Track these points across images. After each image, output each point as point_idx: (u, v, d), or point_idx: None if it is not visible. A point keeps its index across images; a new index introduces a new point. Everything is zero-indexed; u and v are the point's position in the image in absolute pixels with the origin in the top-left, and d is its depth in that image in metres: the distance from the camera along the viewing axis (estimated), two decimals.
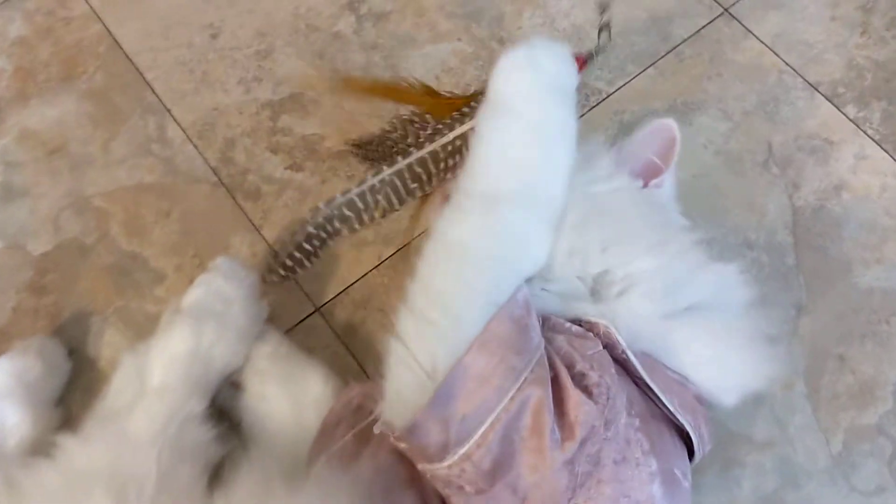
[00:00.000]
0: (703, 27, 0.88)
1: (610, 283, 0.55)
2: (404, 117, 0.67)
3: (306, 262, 0.65)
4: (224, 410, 0.67)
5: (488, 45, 0.87)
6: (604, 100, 0.85)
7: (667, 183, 0.64)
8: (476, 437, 0.45)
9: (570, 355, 0.49)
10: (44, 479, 0.56)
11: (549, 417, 0.45)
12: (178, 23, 0.88)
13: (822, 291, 0.76)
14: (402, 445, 0.48)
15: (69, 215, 0.79)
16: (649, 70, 0.86)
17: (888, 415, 0.71)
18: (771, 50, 0.87)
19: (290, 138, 0.83)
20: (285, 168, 0.81)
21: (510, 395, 0.45)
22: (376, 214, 0.64)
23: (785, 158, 0.82)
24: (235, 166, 0.81)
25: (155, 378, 0.61)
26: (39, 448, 0.60)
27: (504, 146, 0.53)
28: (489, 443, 0.45)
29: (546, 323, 0.52)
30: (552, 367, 0.48)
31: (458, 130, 0.62)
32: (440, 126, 0.63)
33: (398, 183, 0.63)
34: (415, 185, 0.63)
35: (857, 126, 0.83)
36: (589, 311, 0.54)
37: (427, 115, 0.66)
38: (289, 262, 0.65)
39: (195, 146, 0.82)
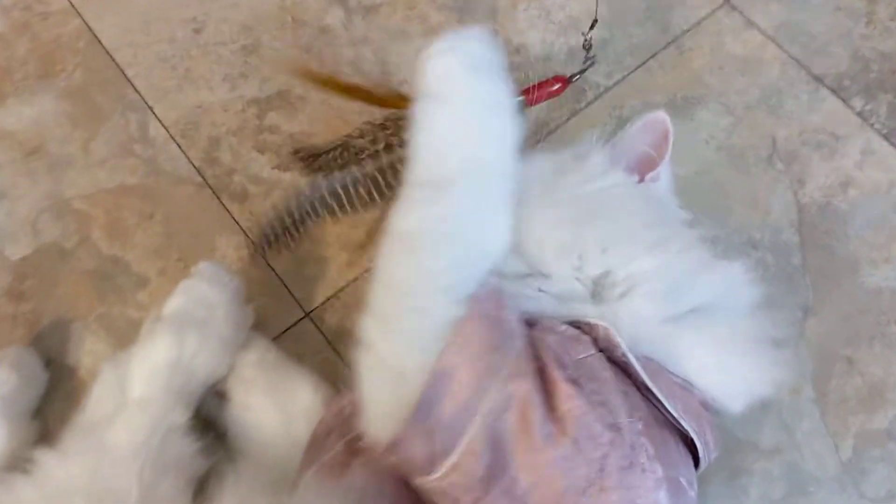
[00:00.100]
0: (704, 18, 0.85)
1: (611, 284, 0.54)
2: (377, 122, 0.66)
3: (290, 241, 0.65)
4: (209, 421, 0.64)
5: None
6: (602, 94, 0.82)
7: (663, 176, 0.62)
8: (462, 444, 0.43)
9: (558, 358, 0.47)
10: (20, 495, 0.55)
11: (535, 411, 0.44)
12: (159, 17, 0.85)
13: (828, 292, 0.73)
14: (391, 460, 0.46)
15: (48, 218, 0.76)
16: (649, 63, 0.84)
17: None
18: (773, 41, 0.84)
19: (278, 137, 0.80)
20: (272, 168, 0.79)
21: (491, 395, 0.44)
22: (358, 205, 0.63)
23: (789, 154, 0.79)
24: (221, 166, 0.79)
25: (136, 389, 0.59)
26: (16, 463, 0.58)
27: (440, 130, 0.52)
28: (477, 448, 0.43)
29: (539, 325, 0.50)
30: (539, 358, 0.47)
31: None
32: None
33: (379, 178, 0.62)
34: (395, 183, 0.62)
35: (864, 120, 0.81)
36: (588, 313, 0.52)
37: (401, 121, 0.64)
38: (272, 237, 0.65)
39: (179, 146, 0.80)
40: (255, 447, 0.63)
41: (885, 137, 0.80)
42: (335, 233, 0.75)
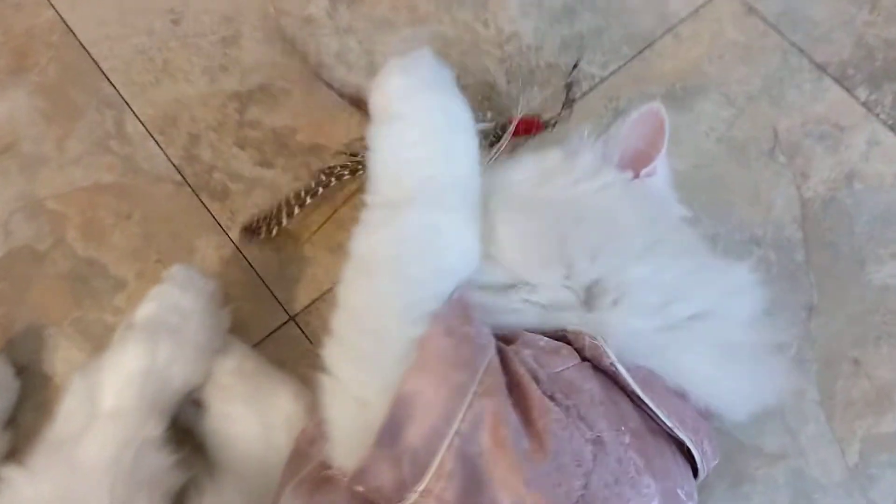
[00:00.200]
0: (702, 5, 0.82)
1: (602, 291, 0.51)
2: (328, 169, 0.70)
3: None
4: (187, 430, 0.62)
5: (472, 27, 0.81)
6: (597, 85, 0.79)
7: (660, 170, 0.60)
8: (432, 469, 0.41)
9: (533, 372, 0.46)
10: None
11: (509, 429, 0.42)
12: (136, 8, 0.82)
13: (833, 290, 0.71)
14: (359, 489, 0.44)
15: (20, 219, 0.74)
16: (645, 52, 0.80)
17: None
18: (775, 29, 0.81)
19: (260, 132, 0.77)
20: (255, 164, 0.76)
21: (460, 415, 0.42)
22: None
23: (792, 146, 0.76)
24: (200, 163, 0.76)
25: (107, 401, 0.56)
26: None
27: (394, 149, 0.52)
28: (449, 472, 0.41)
29: (517, 340, 0.48)
30: (514, 372, 0.45)
31: None
32: None
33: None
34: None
35: (869, 110, 0.78)
36: (576, 322, 0.50)
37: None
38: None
39: (157, 142, 0.77)
40: (235, 458, 0.60)
41: (891, 128, 0.77)
42: (320, 232, 0.72)
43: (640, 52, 0.81)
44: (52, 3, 0.82)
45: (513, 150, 0.69)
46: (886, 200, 0.74)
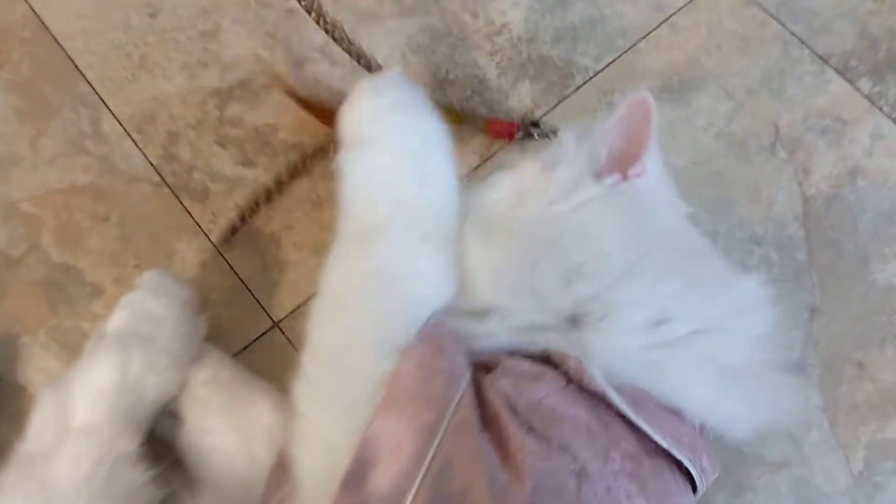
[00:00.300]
0: None
1: (585, 313, 0.48)
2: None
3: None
4: (165, 443, 0.59)
5: (461, 18, 0.78)
6: (590, 78, 0.76)
7: (650, 168, 0.55)
8: None
9: (511, 403, 0.43)
10: None
11: (484, 465, 0.40)
12: (112, 2, 0.79)
13: (837, 290, 0.68)
14: None
15: None
16: (640, 44, 0.78)
17: None
18: (775, 19, 0.78)
19: (241, 130, 0.74)
20: (236, 164, 0.73)
21: (429, 456, 0.40)
22: None
23: (793, 141, 0.74)
24: (180, 163, 0.73)
25: (78, 416, 0.54)
26: None
27: (366, 174, 0.51)
28: None
29: (497, 367, 0.46)
30: (489, 404, 0.43)
31: None
32: None
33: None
34: None
35: (872, 103, 0.75)
36: (559, 343, 0.47)
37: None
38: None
39: (134, 141, 0.74)
40: (215, 472, 0.58)
41: None
42: (305, 234, 0.70)
43: (635, 44, 0.78)
44: None
45: (493, 154, 0.66)
46: (891, 197, 0.72)
